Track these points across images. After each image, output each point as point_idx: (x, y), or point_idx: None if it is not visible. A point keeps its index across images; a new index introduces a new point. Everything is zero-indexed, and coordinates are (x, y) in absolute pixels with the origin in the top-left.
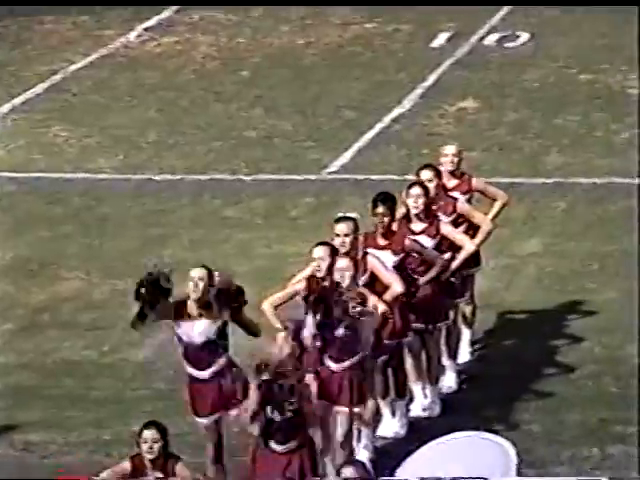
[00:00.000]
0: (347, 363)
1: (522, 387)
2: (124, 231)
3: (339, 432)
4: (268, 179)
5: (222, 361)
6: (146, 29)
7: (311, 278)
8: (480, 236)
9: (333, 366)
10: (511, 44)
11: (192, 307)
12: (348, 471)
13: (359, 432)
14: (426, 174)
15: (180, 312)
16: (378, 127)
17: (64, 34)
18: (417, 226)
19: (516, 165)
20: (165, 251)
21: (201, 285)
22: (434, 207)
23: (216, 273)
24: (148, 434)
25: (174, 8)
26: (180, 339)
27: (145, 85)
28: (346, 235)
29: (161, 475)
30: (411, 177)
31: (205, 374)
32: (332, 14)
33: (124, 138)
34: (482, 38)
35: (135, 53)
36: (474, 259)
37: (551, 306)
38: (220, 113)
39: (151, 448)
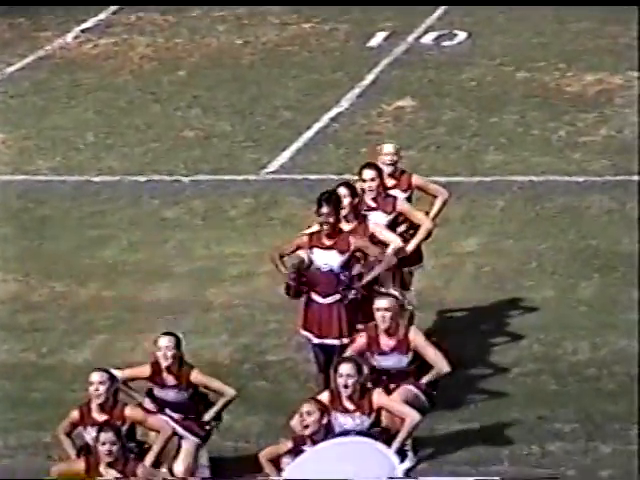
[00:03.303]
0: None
1: (461, 385)
2: (63, 233)
3: None
4: (207, 179)
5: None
6: (83, 30)
7: None
8: (419, 235)
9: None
10: (448, 43)
11: (96, 412)
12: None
13: None
14: (368, 173)
15: (84, 418)
16: (316, 127)
17: (0, 36)
18: (346, 227)
19: (454, 164)
20: (104, 252)
21: (102, 389)
22: (374, 205)
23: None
24: (163, 341)
25: (111, 9)
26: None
27: (83, 86)
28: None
29: (175, 382)
30: (349, 176)
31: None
32: (269, 14)
33: (62, 140)
34: (419, 37)
35: (72, 54)
36: (416, 257)
37: (489, 304)
38: (158, 114)
39: (165, 355)
